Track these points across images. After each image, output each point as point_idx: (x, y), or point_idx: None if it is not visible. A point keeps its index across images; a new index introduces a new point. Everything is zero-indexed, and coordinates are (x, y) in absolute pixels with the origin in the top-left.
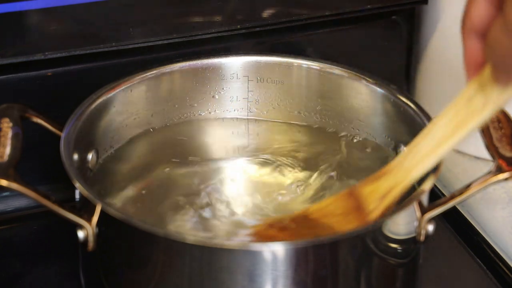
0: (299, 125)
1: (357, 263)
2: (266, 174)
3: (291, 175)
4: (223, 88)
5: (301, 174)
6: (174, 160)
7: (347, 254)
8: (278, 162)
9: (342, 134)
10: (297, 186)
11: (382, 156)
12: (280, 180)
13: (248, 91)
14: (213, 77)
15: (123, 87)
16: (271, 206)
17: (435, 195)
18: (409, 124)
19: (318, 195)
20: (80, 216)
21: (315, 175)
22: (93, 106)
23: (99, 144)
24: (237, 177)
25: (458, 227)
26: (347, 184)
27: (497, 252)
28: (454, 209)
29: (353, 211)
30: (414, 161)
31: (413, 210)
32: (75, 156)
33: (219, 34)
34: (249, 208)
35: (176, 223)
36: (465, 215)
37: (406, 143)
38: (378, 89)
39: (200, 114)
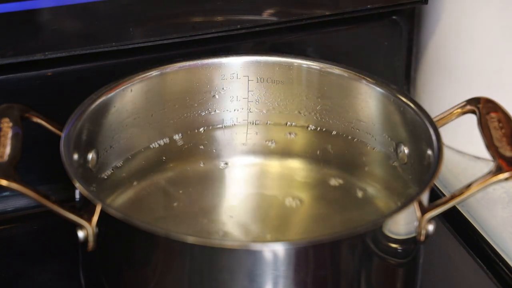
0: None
1: (357, 263)
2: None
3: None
4: (223, 88)
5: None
6: (174, 159)
7: (347, 254)
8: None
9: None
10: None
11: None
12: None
13: (248, 91)
14: (213, 77)
15: (123, 87)
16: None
17: (435, 195)
18: (409, 124)
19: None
20: (80, 216)
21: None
22: (93, 106)
23: (99, 144)
24: (238, 176)
25: (458, 227)
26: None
27: (497, 252)
28: (454, 209)
29: None
30: None
31: (413, 210)
32: (75, 156)
33: (219, 34)
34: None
35: (177, 222)
36: (465, 215)
37: (406, 143)
38: (378, 89)
39: (200, 114)
